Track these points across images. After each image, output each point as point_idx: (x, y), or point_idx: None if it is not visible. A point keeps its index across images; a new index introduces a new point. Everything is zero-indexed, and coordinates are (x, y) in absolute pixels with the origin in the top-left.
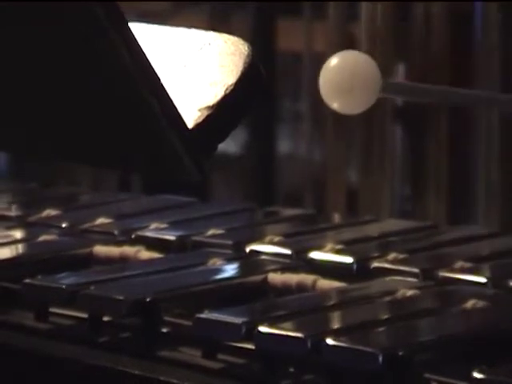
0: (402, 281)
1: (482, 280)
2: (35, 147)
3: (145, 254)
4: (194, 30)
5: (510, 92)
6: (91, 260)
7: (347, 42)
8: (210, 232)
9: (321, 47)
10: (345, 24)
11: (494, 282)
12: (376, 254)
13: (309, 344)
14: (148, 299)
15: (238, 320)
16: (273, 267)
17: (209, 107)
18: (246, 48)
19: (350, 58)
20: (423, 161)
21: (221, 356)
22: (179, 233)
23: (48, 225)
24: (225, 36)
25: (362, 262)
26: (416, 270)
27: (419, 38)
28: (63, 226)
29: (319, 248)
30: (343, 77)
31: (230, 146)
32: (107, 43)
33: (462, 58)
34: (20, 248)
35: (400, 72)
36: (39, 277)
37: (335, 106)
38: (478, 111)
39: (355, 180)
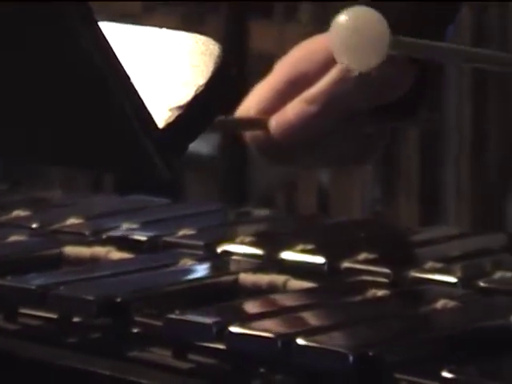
0: (373, 281)
1: (453, 280)
2: (5, 148)
3: (116, 255)
4: (164, 30)
5: None
6: (61, 260)
7: None
8: (182, 232)
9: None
10: (317, 26)
11: (465, 282)
12: (347, 255)
13: (279, 344)
14: (118, 299)
15: (208, 320)
16: (244, 268)
17: (179, 107)
18: (217, 48)
19: (358, 13)
20: (394, 162)
21: (191, 356)
22: (150, 233)
23: (18, 225)
24: (196, 36)
25: (333, 262)
26: (387, 271)
27: None
28: (33, 226)
29: (290, 248)
30: (351, 33)
31: (203, 146)
32: (77, 43)
33: None
34: None
35: None
36: (9, 277)
37: (345, 61)
38: (448, 112)
39: (326, 181)
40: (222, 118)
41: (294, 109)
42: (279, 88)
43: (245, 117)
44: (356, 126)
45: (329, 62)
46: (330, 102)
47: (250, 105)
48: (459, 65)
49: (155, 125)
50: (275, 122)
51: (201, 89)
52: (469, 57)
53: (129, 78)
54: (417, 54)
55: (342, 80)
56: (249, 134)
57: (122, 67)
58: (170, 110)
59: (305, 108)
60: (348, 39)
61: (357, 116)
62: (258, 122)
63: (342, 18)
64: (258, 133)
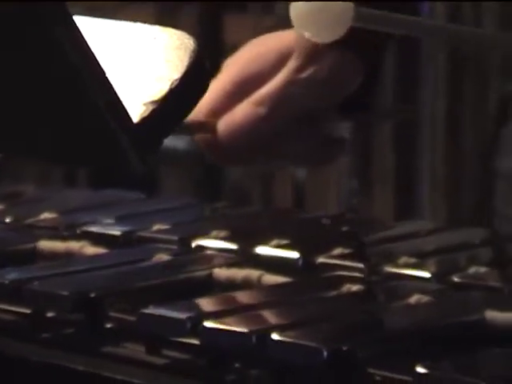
0: (348, 276)
1: (426, 275)
2: None
3: (90, 250)
4: (139, 25)
5: None
6: (35, 255)
7: None
8: (156, 227)
9: None
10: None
11: (439, 277)
12: (322, 249)
13: (254, 339)
14: (92, 295)
15: (182, 315)
16: (218, 262)
17: (154, 102)
18: (192, 43)
19: None
20: (369, 154)
21: (165, 351)
22: (125, 228)
23: None
24: (170, 30)
25: (308, 257)
26: (362, 266)
27: None
28: (7, 220)
29: (265, 243)
30: (313, 4)
31: (177, 141)
32: (50, 37)
33: None
34: None
35: None
36: None
37: (307, 35)
38: (422, 102)
39: (302, 174)
40: None
41: (242, 110)
42: (228, 89)
43: (194, 120)
44: (314, 126)
45: (278, 63)
46: (280, 104)
47: (199, 107)
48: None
49: (130, 119)
50: (223, 124)
51: (175, 83)
52: (437, 31)
53: (103, 72)
54: (381, 27)
55: (292, 81)
56: (199, 137)
57: (97, 61)
58: (145, 104)
59: (253, 110)
60: (310, 11)
61: (313, 116)
62: (206, 125)
63: None
64: (207, 135)
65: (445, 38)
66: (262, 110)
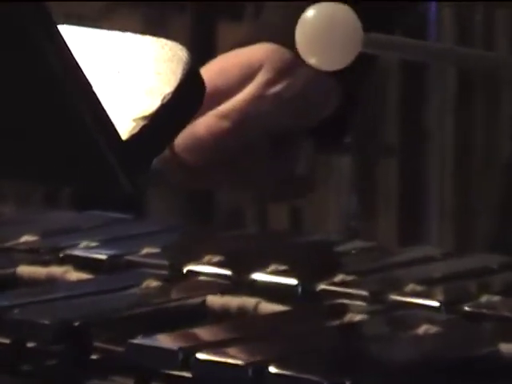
0: (351, 304)
1: (435, 304)
2: None
3: (73, 275)
4: (128, 34)
5: None
6: (15, 281)
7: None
8: (145, 251)
9: None
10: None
11: (448, 306)
12: (323, 276)
13: (250, 372)
14: (77, 323)
15: (174, 346)
16: (212, 289)
17: (144, 117)
18: (185, 54)
19: (328, 9)
20: (372, 176)
21: None
22: (111, 252)
23: None
24: (162, 41)
25: (308, 283)
26: (365, 293)
27: None
28: None
29: (261, 269)
30: (321, 30)
31: None
32: (34, 47)
33: None
34: None
35: None
36: None
37: (313, 61)
38: (430, 127)
39: None
40: None
41: (204, 123)
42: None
43: None
44: (279, 153)
45: (247, 78)
46: (244, 119)
47: None
48: (434, 63)
49: (119, 136)
50: (183, 137)
51: (167, 98)
52: (446, 55)
53: (90, 86)
54: (391, 52)
55: (259, 97)
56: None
57: (83, 74)
58: (135, 120)
59: (217, 123)
60: (317, 37)
61: (280, 140)
62: None
63: (310, 13)
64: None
65: (454, 61)
66: (225, 124)
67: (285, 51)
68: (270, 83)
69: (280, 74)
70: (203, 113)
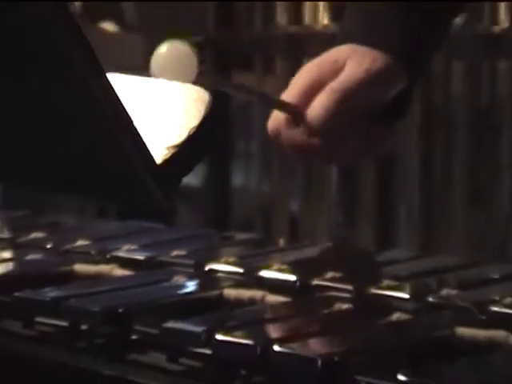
0: (338, 296)
1: (405, 296)
2: (25, 179)
3: (118, 272)
4: (162, 81)
5: None
6: (72, 276)
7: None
8: (174, 253)
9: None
10: (290, 78)
11: (416, 297)
12: (316, 273)
13: (258, 350)
14: (120, 310)
15: (198, 329)
16: (228, 284)
17: (174, 146)
18: (207, 96)
19: (171, 46)
20: (355, 194)
21: (182, 360)
22: (148, 253)
23: (35, 246)
24: (189, 86)
25: (304, 279)
26: (350, 287)
27: None
28: (48, 246)
29: (267, 267)
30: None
31: (192, 179)
32: (87, 90)
33: None
34: (10, 266)
35: None
36: (27, 290)
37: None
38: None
39: (297, 210)
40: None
41: (318, 102)
42: (307, 84)
43: (287, 102)
44: (366, 125)
45: (336, 69)
46: (347, 95)
47: (287, 97)
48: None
49: (154, 162)
50: (308, 115)
51: (193, 131)
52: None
53: (131, 121)
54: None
55: (354, 80)
56: (286, 135)
57: (127, 112)
58: (167, 148)
59: (330, 97)
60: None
61: (367, 115)
62: (294, 108)
63: (162, 48)
64: (293, 132)
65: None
66: (336, 97)
67: (362, 48)
68: (357, 71)
69: (362, 64)
70: (308, 99)
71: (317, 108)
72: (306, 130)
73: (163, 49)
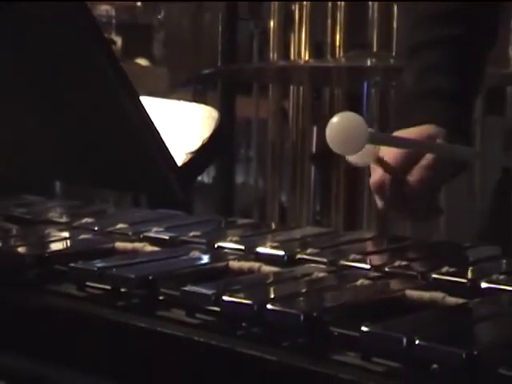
0: (316, 267)
1: (367, 266)
2: (77, 178)
3: (148, 248)
4: (182, 102)
5: None
6: (113, 251)
7: (281, 113)
8: (191, 234)
9: (264, 115)
10: (280, 101)
11: (375, 267)
12: (299, 249)
13: (255, 308)
14: (150, 277)
15: (209, 291)
16: (232, 257)
17: (191, 152)
18: (216, 114)
19: (344, 117)
20: (329, 188)
21: (198, 315)
22: (171, 234)
23: (85, 228)
24: (202, 106)
25: (290, 254)
26: (325, 260)
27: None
28: (95, 228)
29: (263, 245)
30: (338, 133)
31: (205, 177)
32: (123, 109)
33: None
34: (67, 243)
35: (314, 132)
36: (80, 262)
37: (337, 151)
38: None
39: (285, 200)
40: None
41: (416, 175)
42: (404, 154)
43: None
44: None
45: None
46: (437, 170)
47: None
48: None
49: (175, 164)
50: (411, 178)
51: (205, 141)
52: (437, 149)
53: (159, 134)
54: (391, 146)
55: (438, 158)
56: (388, 193)
57: (155, 127)
58: (186, 154)
59: (426, 173)
60: (336, 135)
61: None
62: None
63: (334, 119)
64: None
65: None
66: (430, 173)
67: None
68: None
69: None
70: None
71: (416, 177)
72: (403, 191)
73: (335, 119)
